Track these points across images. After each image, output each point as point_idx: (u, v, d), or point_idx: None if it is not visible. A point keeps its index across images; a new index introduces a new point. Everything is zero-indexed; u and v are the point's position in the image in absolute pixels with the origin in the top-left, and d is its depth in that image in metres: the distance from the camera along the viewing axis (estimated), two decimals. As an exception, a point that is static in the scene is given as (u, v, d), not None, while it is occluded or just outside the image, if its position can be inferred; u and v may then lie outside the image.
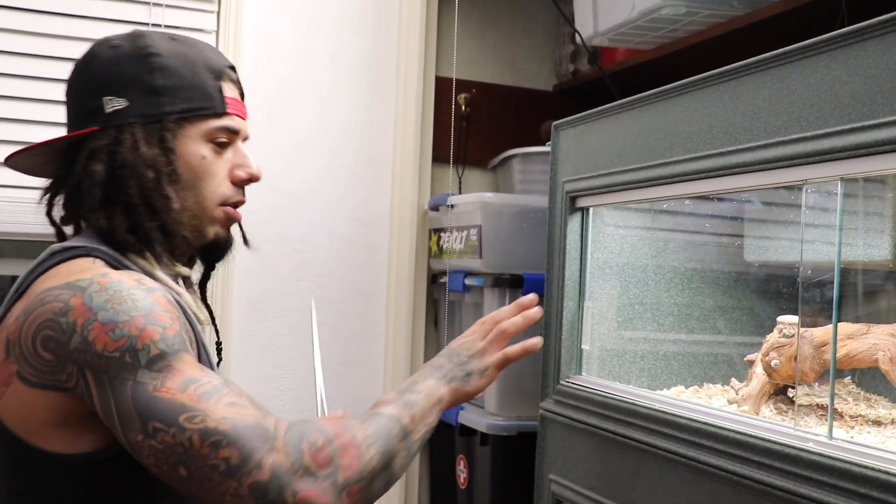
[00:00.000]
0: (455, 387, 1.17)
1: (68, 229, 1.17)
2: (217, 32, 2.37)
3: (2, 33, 2.17)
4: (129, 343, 0.95)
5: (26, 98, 2.18)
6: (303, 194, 2.48)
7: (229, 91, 1.18)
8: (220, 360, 1.24)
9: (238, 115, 1.18)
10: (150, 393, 0.94)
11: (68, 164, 1.12)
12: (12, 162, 1.14)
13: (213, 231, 1.17)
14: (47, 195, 1.15)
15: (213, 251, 1.20)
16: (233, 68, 1.20)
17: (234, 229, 1.26)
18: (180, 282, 1.21)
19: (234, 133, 1.17)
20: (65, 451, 1.00)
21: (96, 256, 1.06)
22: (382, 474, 1.02)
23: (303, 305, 2.47)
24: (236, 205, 1.19)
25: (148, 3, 2.30)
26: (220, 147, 1.16)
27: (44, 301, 0.98)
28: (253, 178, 1.19)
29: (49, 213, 1.15)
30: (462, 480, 2.35)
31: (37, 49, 2.20)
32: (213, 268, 1.25)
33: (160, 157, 1.10)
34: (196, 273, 1.25)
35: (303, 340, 2.47)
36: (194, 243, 1.16)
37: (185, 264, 1.19)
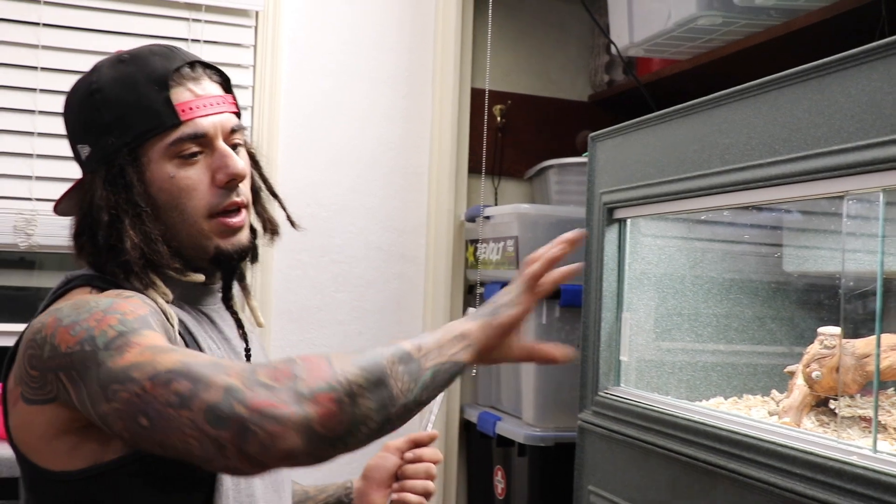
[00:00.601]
0: (484, 322, 1.03)
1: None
2: (255, 47, 2.40)
3: (45, 51, 2.22)
4: (88, 334, 0.95)
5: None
6: (340, 206, 2.50)
7: (184, 94, 1.09)
8: None
9: (202, 116, 1.09)
10: (109, 367, 0.92)
11: None
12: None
13: (211, 245, 1.11)
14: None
15: (221, 263, 1.14)
16: (192, 64, 1.11)
17: (284, 247, 1.25)
18: (215, 301, 1.19)
19: (200, 138, 1.09)
20: (60, 468, 1.01)
21: (94, 285, 1.07)
22: (372, 392, 0.88)
23: (341, 316, 2.49)
24: (234, 208, 1.12)
25: (187, 20, 2.34)
26: (193, 157, 1.09)
27: (30, 327, 1.02)
28: (234, 178, 1.11)
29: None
30: (500, 491, 2.36)
31: (79, 66, 2.24)
32: (230, 277, 1.19)
33: (116, 196, 1.07)
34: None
35: (341, 351, 2.49)
36: (197, 259, 1.13)
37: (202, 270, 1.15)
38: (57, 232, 2.28)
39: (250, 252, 1.17)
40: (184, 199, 1.09)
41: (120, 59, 1.11)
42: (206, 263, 1.14)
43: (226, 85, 1.16)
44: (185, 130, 1.08)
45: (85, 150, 1.11)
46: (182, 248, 1.11)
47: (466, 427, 2.57)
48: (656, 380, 1.80)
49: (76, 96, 1.13)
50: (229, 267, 1.16)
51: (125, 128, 1.07)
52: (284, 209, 1.25)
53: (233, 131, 1.13)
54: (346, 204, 2.51)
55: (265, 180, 1.25)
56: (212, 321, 1.17)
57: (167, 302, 1.09)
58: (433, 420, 1.36)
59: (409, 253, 2.57)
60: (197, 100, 1.10)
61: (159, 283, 1.10)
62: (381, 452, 1.35)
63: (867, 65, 1.16)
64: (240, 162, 1.12)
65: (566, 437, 2.14)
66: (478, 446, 2.51)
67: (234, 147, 1.14)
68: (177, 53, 1.12)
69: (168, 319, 1.05)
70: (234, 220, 1.12)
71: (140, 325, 0.95)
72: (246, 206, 1.15)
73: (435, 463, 1.33)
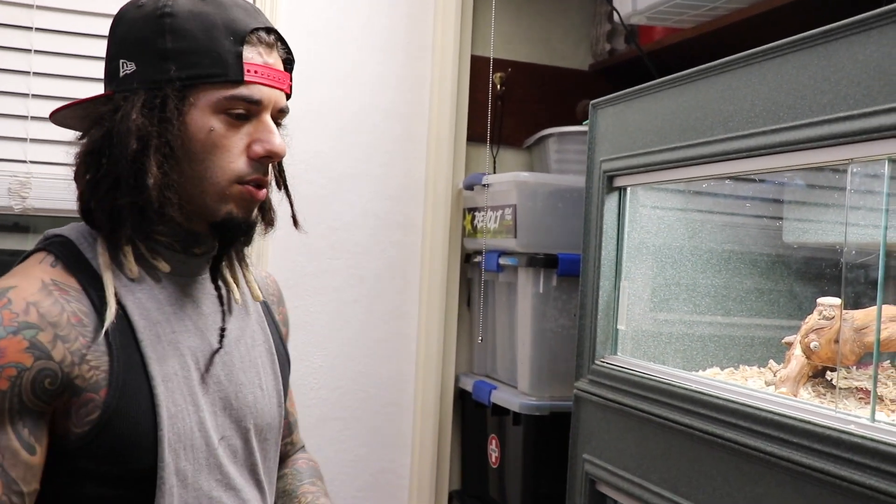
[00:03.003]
0: None
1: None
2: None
3: (41, 11, 2.19)
4: None
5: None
6: (338, 173, 2.48)
7: (254, 57, 1.07)
8: (221, 346, 1.14)
9: (263, 84, 1.07)
10: None
11: (88, 129, 1.09)
12: (55, 118, 1.13)
13: (224, 209, 1.08)
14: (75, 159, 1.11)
15: (224, 231, 1.11)
16: (269, 31, 1.09)
17: (282, 212, 1.21)
18: (202, 271, 1.15)
19: (253, 104, 1.07)
20: None
21: (49, 251, 1.07)
22: None
23: (336, 283, 2.48)
24: (257, 183, 1.10)
25: (185, -19, 2.31)
26: (238, 119, 1.07)
27: None
28: (272, 155, 1.09)
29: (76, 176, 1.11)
30: (494, 460, 2.36)
31: (75, 27, 2.22)
32: (226, 248, 1.15)
33: (151, 126, 1.03)
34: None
35: (337, 318, 2.48)
36: (196, 221, 1.10)
37: (183, 250, 1.12)
38: (52, 195, 2.27)
39: (253, 230, 1.16)
40: (215, 156, 1.06)
41: None
42: (205, 228, 1.11)
43: (289, 65, 1.14)
44: (243, 91, 1.06)
45: (128, 67, 1.06)
46: (189, 204, 1.08)
47: (461, 396, 2.57)
48: (653, 349, 1.79)
49: (140, 11, 1.08)
50: (230, 237, 1.13)
51: (187, 64, 1.04)
52: (292, 206, 1.23)
53: (280, 111, 1.12)
54: (343, 171, 2.49)
55: (281, 172, 1.23)
56: (191, 295, 1.14)
57: (132, 279, 1.07)
58: None
59: (407, 221, 2.55)
60: (264, 67, 1.08)
61: (129, 258, 1.07)
62: None
63: (876, 30, 1.14)
64: (279, 139, 1.10)
65: (561, 406, 2.14)
66: (472, 415, 2.51)
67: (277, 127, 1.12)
68: (259, 15, 1.11)
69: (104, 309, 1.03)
70: (259, 192, 1.10)
71: None
72: (267, 186, 1.13)
73: None
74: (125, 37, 1.08)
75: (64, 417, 1.01)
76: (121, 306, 1.05)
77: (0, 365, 0.97)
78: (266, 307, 1.30)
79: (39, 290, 1.02)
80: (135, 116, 1.03)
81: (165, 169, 1.04)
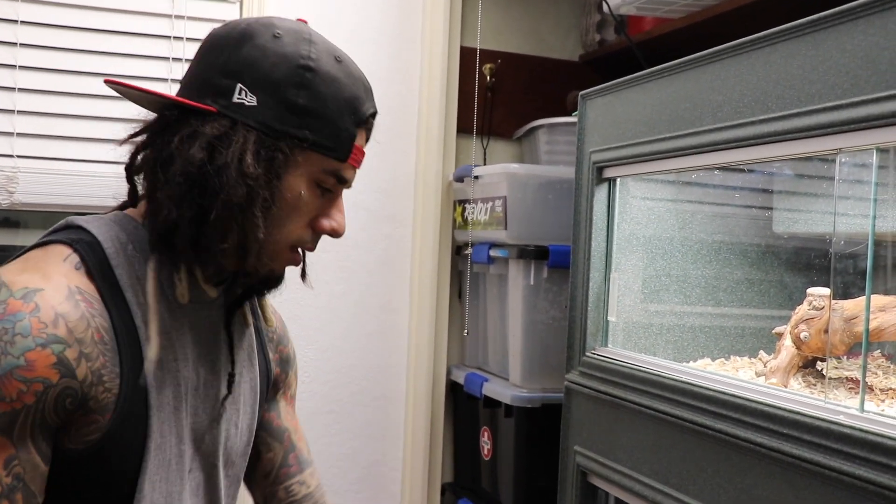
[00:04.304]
0: None
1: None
2: (240, 12, 2.36)
3: (26, 3, 2.17)
4: None
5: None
6: (327, 165, 2.47)
7: (359, 140, 1.09)
8: (230, 392, 1.14)
9: (354, 167, 1.09)
10: None
11: (166, 125, 1.03)
12: (115, 85, 1.06)
13: (271, 266, 1.08)
14: (136, 138, 1.06)
15: (260, 285, 1.13)
16: (374, 115, 1.12)
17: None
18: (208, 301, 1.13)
19: (342, 183, 1.09)
20: None
21: (76, 250, 1.03)
22: None
23: (327, 277, 2.48)
24: (307, 250, 1.11)
25: (171, -14, 2.29)
26: (322, 192, 1.07)
27: None
28: (335, 234, 1.10)
29: (130, 165, 1.07)
30: (486, 452, 2.36)
31: (60, 20, 2.20)
32: (249, 298, 1.17)
33: (262, 176, 1.00)
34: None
35: (328, 311, 2.48)
36: (254, 273, 1.08)
37: (204, 279, 1.10)
38: (39, 190, 2.25)
39: (281, 283, 1.16)
40: (291, 218, 1.06)
41: (337, 59, 1.08)
42: (241, 274, 1.11)
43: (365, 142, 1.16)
44: (342, 170, 1.08)
45: (247, 97, 1.02)
46: (251, 257, 1.06)
47: (453, 388, 2.57)
48: (644, 341, 1.79)
49: (278, 45, 1.04)
50: (263, 290, 1.15)
51: (311, 126, 1.04)
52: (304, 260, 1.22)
53: (348, 188, 1.13)
54: (333, 163, 2.47)
55: None
56: (195, 323, 1.13)
57: (185, 302, 1.06)
58: None
59: (397, 213, 2.54)
60: (360, 151, 1.10)
61: (184, 283, 1.05)
62: None
63: (863, 19, 1.14)
64: (344, 219, 1.11)
65: (553, 398, 2.14)
66: (464, 407, 2.51)
67: None
68: (372, 96, 1.12)
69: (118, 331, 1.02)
70: (300, 259, 1.12)
71: None
72: None
73: None
74: (254, 65, 1.03)
75: (63, 432, 0.99)
76: (135, 328, 1.03)
77: (28, 378, 0.94)
78: (259, 339, 1.28)
79: (66, 298, 0.98)
80: (249, 160, 1.00)
81: (263, 223, 1.03)
